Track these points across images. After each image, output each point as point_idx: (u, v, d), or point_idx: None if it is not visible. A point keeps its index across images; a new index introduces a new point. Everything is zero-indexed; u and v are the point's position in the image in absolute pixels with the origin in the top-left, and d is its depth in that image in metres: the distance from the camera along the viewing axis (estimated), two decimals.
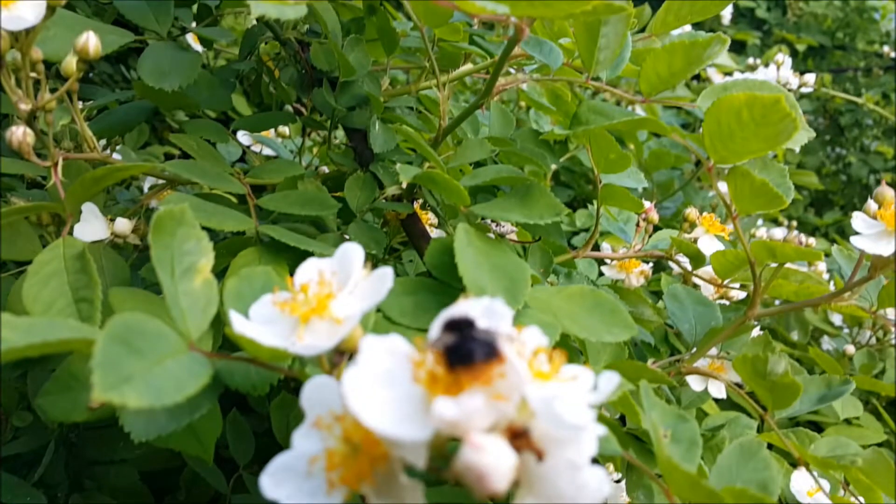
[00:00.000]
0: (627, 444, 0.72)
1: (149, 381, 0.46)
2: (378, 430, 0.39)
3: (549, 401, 0.40)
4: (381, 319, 0.69)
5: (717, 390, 1.07)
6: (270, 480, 0.45)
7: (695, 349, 0.88)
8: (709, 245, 0.98)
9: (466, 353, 0.40)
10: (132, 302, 0.74)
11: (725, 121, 0.70)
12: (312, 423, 0.46)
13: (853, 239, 0.71)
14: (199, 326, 0.54)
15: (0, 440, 0.92)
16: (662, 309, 1.24)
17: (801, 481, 0.88)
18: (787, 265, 0.83)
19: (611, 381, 0.47)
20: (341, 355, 0.53)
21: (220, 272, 0.85)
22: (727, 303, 1.14)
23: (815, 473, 0.86)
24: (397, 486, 0.43)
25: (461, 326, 0.43)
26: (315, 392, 0.48)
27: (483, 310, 0.45)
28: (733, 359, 0.73)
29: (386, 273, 0.55)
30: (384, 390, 0.42)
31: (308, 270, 0.57)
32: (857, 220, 0.72)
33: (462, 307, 0.45)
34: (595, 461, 0.44)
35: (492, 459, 0.38)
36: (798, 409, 0.74)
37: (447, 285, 0.73)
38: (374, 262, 1.01)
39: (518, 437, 0.41)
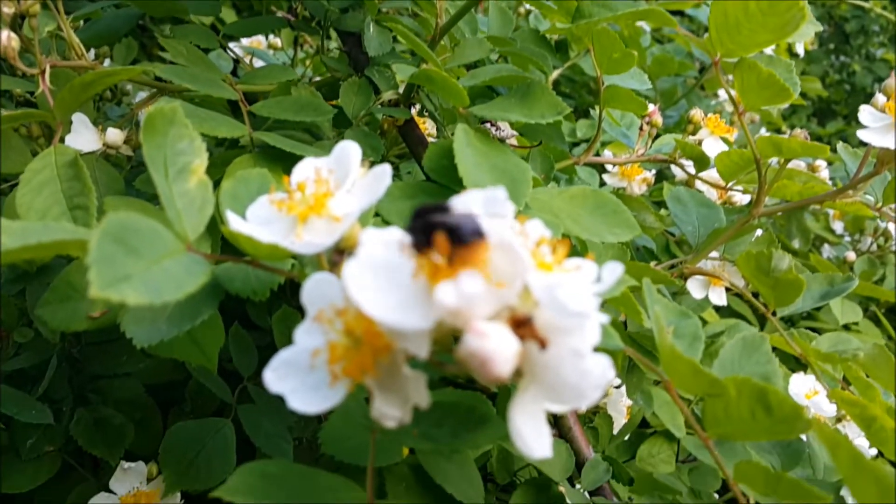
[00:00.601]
0: (628, 343, 0.72)
1: (147, 281, 0.45)
2: (380, 319, 0.38)
3: (552, 288, 0.40)
4: (380, 223, 0.69)
5: (718, 297, 1.07)
6: (273, 375, 0.45)
7: (696, 248, 0.87)
8: (713, 147, 0.96)
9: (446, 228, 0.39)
10: (128, 210, 0.73)
11: (732, 12, 0.68)
12: (314, 318, 0.45)
13: (860, 132, 0.70)
14: (195, 228, 0.53)
15: (2, 356, 0.92)
16: (665, 216, 1.23)
17: (799, 384, 0.89)
18: (792, 166, 0.82)
19: (614, 272, 0.46)
20: (340, 254, 0.52)
21: (215, 182, 0.84)
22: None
23: (814, 377, 0.87)
24: (400, 378, 0.43)
25: (433, 210, 0.41)
26: (316, 288, 0.47)
27: (484, 199, 0.44)
28: (736, 259, 0.72)
29: (384, 170, 0.53)
30: (385, 280, 0.41)
31: (304, 169, 0.56)
32: (864, 113, 0.70)
33: (463, 197, 0.44)
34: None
35: (495, 345, 0.37)
36: (801, 307, 0.73)
37: (446, 188, 0.72)
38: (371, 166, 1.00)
39: (521, 326, 0.41)
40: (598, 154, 1.19)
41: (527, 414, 0.44)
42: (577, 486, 0.76)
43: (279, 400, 0.97)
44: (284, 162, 0.77)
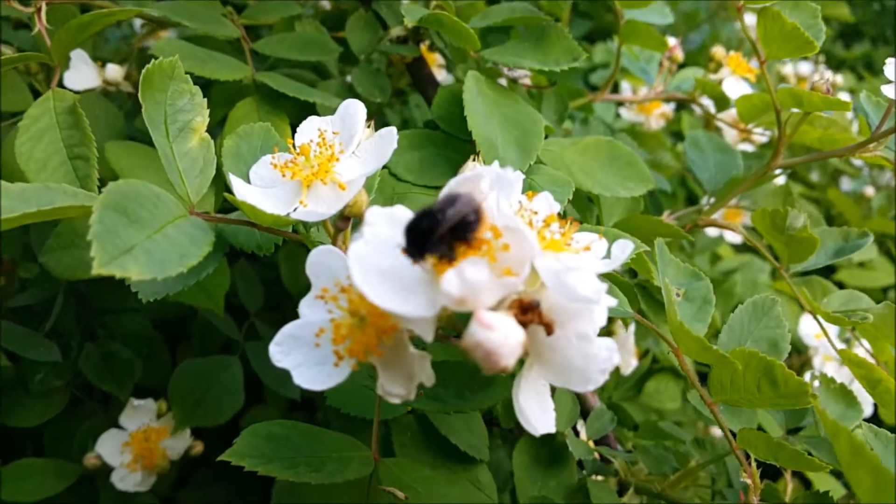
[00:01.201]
0: (637, 302, 0.71)
1: (150, 252, 0.44)
2: (385, 308, 0.38)
3: (560, 274, 0.39)
4: (387, 176, 0.67)
5: (733, 235, 1.06)
6: (278, 349, 0.45)
7: (713, 199, 0.85)
8: (734, 87, 0.93)
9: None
10: (128, 157, 0.72)
11: None
12: (318, 296, 0.45)
13: (884, 88, 0.67)
14: (198, 190, 0.52)
15: (7, 292, 0.92)
16: (682, 152, 1.20)
17: (809, 324, 0.89)
18: None
19: (624, 250, 0.45)
20: (346, 220, 0.51)
21: (219, 121, 0.82)
22: (750, 148, 1.11)
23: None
24: (406, 357, 0.43)
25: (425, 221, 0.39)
26: (320, 260, 0.46)
27: (494, 177, 0.42)
28: (752, 209, 0.71)
29: (390, 133, 0.52)
30: (390, 261, 0.40)
31: (308, 130, 0.54)
32: (890, 67, 0.67)
33: (472, 174, 0.42)
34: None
35: (500, 337, 0.37)
36: (814, 263, 0.72)
37: (455, 138, 0.70)
38: (379, 108, 0.97)
39: (528, 311, 0.40)
40: (615, 87, 1.16)
41: (531, 392, 0.44)
42: (582, 435, 0.77)
43: None
44: (288, 102, 0.75)
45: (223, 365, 0.92)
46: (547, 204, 0.47)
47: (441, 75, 1.03)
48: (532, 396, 0.44)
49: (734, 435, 0.59)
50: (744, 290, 1.42)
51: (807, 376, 0.99)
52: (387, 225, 0.42)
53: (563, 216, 0.65)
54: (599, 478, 0.75)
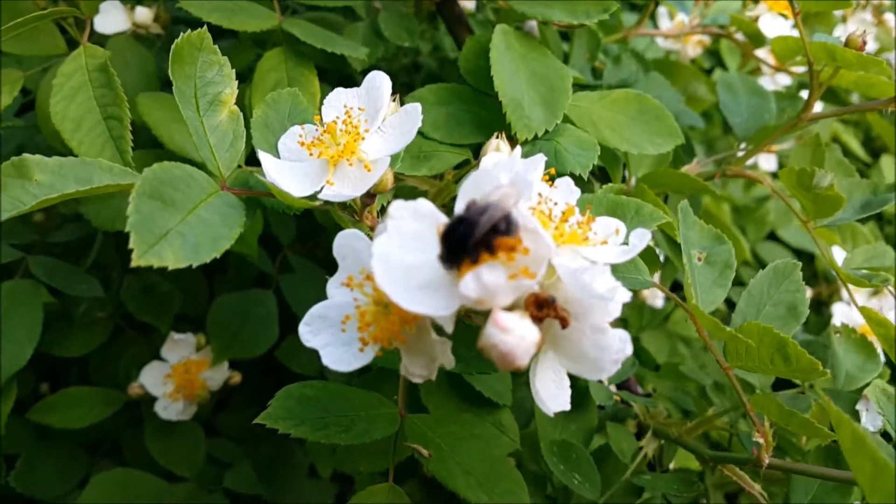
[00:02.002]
0: (658, 264, 0.72)
1: (185, 235, 0.46)
2: (406, 308, 0.39)
3: (577, 273, 0.40)
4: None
5: (768, 163, 1.05)
6: (307, 329, 0.47)
7: (744, 144, 0.84)
8: (770, 25, 0.90)
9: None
10: (160, 109, 0.73)
11: None
12: (344, 282, 0.46)
13: None
14: (228, 164, 0.54)
15: (49, 229, 0.95)
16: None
17: (840, 254, 0.89)
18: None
19: (642, 238, 0.46)
20: (372, 196, 0.53)
21: (250, 63, 0.82)
22: (787, 81, 1.08)
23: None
24: (428, 343, 0.45)
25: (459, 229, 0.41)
26: (346, 242, 0.48)
27: (512, 178, 0.43)
28: (778, 172, 0.70)
29: (415, 110, 0.52)
30: (412, 257, 0.42)
31: (335, 103, 0.55)
32: None
33: (491, 174, 0.43)
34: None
35: (515, 339, 0.38)
36: (840, 218, 0.72)
37: (483, 94, 0.70)
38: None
39: (543, 307, 0.42)
40: (652, 19, 1.12)
41: (546, 376, 0.46)
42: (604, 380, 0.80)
43: (319, 269, 1.00)
44: (316, 53, 0.75)
45: (258, 300, 0.95)
46: (567, 190, 0.48)
47: (471, 4, 1.01)
48: (549, 375, 0.46)
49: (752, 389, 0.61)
50: (776, 218, 1.41)
51: (835, 309, 1.01)
52: (410, 219, 0.43)
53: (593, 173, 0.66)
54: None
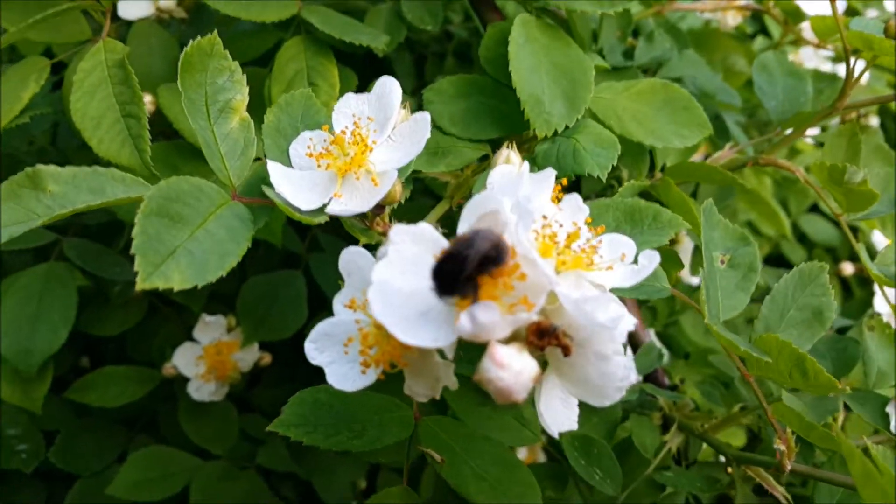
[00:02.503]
0: (680, 264, 0.70)
1: (192, 253, 0.46)
2: (403, 340, 0.39)
3: (579, 303, 0.39)
4: (432, 129, 0.66)
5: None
6: (313, 346, 0.48)
7: (778, 129, 0.81)
8: (809, 4, 0.86)
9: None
10: (181, 103, 0.73)
11: None
12: (347, 305, 0.46)
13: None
14: (239, 172, 0.54)
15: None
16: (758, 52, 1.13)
17: (881, 238, 0.86)
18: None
19: (652, 260, 0.45)
20: (381, 208, 0.52)
21: (271, 49, 0.81)
22: (829, 53, 1.03)
23: None
24: (431, 365, 0.45)
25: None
26: (351, 259, 0.48)
27: (513, 204, 0.42)
28: (809, 166, 0.68)
29: (424, 119, 0.52)
30: (412, 283, 0.41)
31: (345, 110, 0.54)
32: None
33: (491, 209, 0.42)
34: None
35: (511, 376, 0.38)
36: (875, 211, 0.69)
37: (503, 86, 0.68)
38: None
39: (544, 336, 0.41)
40: None
41: (553, 395, 0.46)
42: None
43: (349, 244, 1.01)
44: (336, 40, 0.73)
45: (287, 281, 0.96)
46: (574, 208, 0.47)
47: None
48: (551, 402, 0.46)
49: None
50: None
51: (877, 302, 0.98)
52: (411, 243, 0.43)
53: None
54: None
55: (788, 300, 0.60)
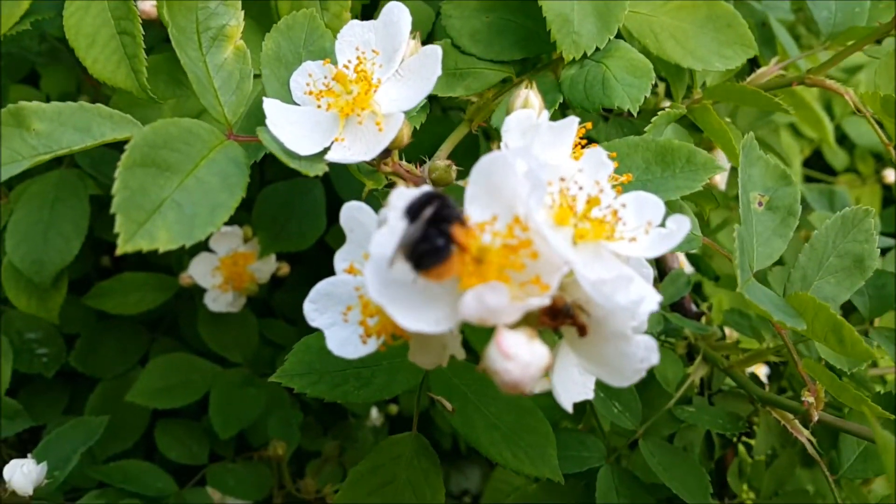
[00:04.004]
0: (715, 201, 0.65)
1: (181, 205, 0.43)
2: (403, 325, 0.36)
3: (597, 285, 0.36)
4: (450, 48, 0.61)
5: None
6: (313, 307, 0.45)
7: (828, 44, 0.73)
8: None
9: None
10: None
11: None
12: (347, 270, 0.43)
13: None
14: (234, 108, 0.49)
15: None
16: None
17: None
18: None
19: (682, 226, 0.40)
20: (388, 152, 0.48)
21: None
22: None
23: None
24: (436, 336, 0.42)
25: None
26: (351, 215, 0.45)
27: (525, 172, 0.37)
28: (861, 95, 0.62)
29: (434, 53, 0.46)
30: None
31: (349, 39, 0.49)
32: None
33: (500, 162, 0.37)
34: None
35: (520, 368, 0.35)
36: None
37: (529, 1, 0.61)
38: None
39: (559, 316, 0.38)
40: None
41: (565, 368, 0.43)
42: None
43: None
44: None
45: (304, 189, 0.92)
46: (597, 164, 0.42)
47: None
48: (566, 379, 0.43)
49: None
50: (868, 89, 1.27)
51: None
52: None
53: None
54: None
55: (829, 247, 0.56)
